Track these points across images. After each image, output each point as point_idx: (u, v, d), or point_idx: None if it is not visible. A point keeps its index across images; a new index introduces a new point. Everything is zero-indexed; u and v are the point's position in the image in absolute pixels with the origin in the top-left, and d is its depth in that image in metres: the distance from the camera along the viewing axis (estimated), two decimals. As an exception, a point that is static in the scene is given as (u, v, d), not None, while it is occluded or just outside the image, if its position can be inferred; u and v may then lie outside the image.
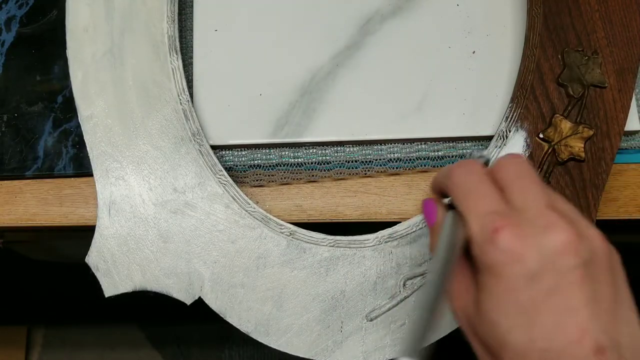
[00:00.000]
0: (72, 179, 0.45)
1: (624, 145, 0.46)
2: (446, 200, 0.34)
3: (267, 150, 0.45)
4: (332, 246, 0.41)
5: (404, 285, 0.41)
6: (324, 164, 0.45)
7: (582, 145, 0.42)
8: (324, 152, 0.45)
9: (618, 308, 0.26)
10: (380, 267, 0.41)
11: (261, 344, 0.40)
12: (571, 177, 0.42)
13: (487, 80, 0.46)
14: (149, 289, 0.41)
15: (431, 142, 0.45)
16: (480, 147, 0.44)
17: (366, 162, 0.45)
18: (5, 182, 0.45)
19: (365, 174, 0.45)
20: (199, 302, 0.41)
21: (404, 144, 0.45)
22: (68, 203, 0.44)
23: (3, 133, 0.45)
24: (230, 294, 0.41)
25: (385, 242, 0.42)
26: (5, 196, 0.45)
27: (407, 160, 0.45)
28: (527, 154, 0.43)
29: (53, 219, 0.44)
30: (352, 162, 0.45)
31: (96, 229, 0.41)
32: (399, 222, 0.42)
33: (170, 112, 0.43)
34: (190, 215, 0.41)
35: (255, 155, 0.45)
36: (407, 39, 0.47)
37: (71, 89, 0.44)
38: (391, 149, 0.45)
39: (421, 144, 0.45)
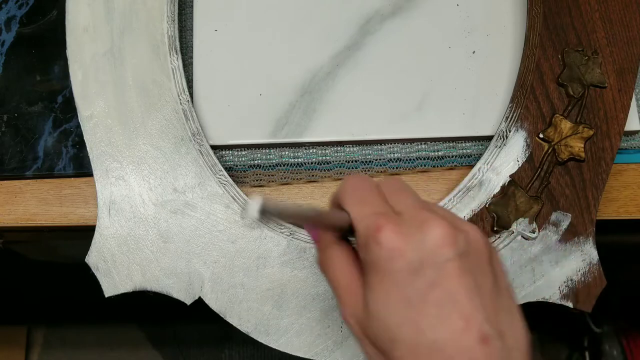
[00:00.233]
0: (72, 179, 0.45)
1: (624, 145, 0.46)
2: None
3: (267, 150, 0.45)
4: (332, 246, 0.41)
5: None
6: (324, 164, 0.45)
7: (582, 145, 0.42)
8: (324, 152, 0.45)
9: (498, 297, 0.26)
10: (380, 267, 0.41)
11: (261, 344, 0.40)
12: (571, 177, 0.42)
13: (487, 80, 0.46)
14: (149, 289, 0.41)
15: (431, 142, 0.45)
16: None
17: (366, 162, 0.45)
18: (5, 182, 0.45)
19: (366, 174, 0.45)
20: (199, 302, 0.41)
21: (404, 144, 0.45)
22: (68, 203, 0.44)
23: (3, 133, 0.45)
24: (230, 294, 0.41)
25: (385, 242, 0.41)
26: (5, 196, 0.45)
27: (407, 160, 0.45)
28: (527, 154, 0.43)
29: (53, 219, 0.44)
30: (352, 162, 0.45)
31: (96, 229, 0.41)
32: (399, 222, 0.42)
33: (170, 112, 0.43)
34: (190, 215, 0.41)
35: (255, 155, 0.45)
36: (407, 39, 0.47)
37: (71, 89, 0.44)
38: (391, 149, 0.45)
39: (421, 144, 0.45)
